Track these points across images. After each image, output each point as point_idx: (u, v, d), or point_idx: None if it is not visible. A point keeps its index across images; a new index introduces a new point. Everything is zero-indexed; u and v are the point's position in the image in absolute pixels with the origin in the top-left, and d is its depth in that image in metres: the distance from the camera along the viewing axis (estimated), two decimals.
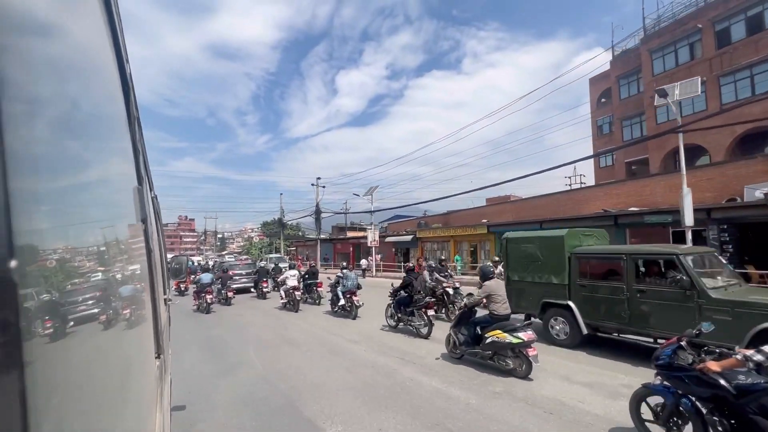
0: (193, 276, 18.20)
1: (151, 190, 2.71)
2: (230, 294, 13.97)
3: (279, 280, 12.97)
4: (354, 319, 10.14)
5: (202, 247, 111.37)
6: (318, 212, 31.44)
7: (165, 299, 3.26)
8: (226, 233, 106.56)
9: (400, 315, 8.33)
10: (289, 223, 77.70)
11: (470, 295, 6.61)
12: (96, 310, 0.67)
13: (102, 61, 0.93)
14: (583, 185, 45.58)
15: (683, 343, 3.37)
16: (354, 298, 10.27)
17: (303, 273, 14.20)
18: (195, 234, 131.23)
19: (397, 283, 9.43)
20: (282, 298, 12.44)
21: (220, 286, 14.36)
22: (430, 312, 7.82)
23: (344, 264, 12.37)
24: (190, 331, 9.90)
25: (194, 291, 13.73)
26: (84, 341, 0.59)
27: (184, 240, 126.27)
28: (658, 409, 3.47)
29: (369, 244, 24.31)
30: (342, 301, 10.46)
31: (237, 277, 17.70)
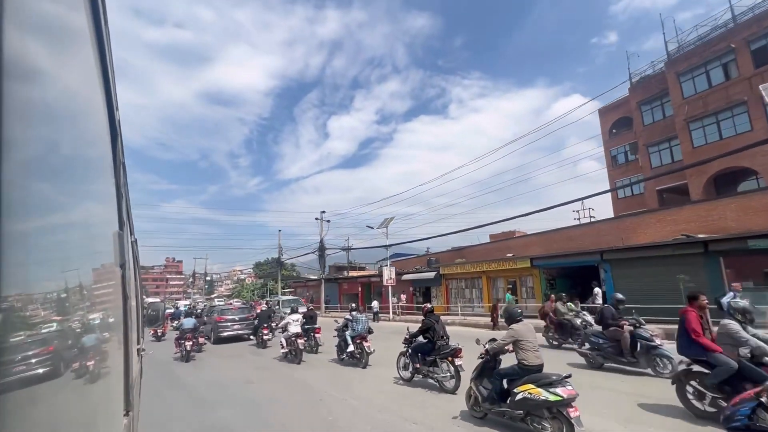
0: (176, 321, 16.73)
1: (131, 234, 2.73)
2: (201, 340, 13.13)
3: (280, 325, 11.74)
4: (364, 367, 9.23)
5: (189, 290, 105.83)
6: (322, 249, 28.72)
7: (138, 349, 3.16)
8: (214, 275, 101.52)
9: (418, 365, 7.38)
10: (286, 262, 74.47)
11: (493, 340, 5.52)
12: (61, 361, 0.63)
13: (92, 108, 0.94)
14: (593, 218, 44.08)
15: (764, 399, 2.95)
16: (365, 344, 9.42)
17: (254, 316, 13.37)
18: (182, 277, 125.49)
19: (414, 327, 8.26)
20: (283, 347, 11.09)
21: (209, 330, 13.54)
22: (458, 361, 6.73)
23: (353, 306, 11.22)
24: (164, 385, 8.72)
25: (175, 338, 12.79)
26: (45, 395, 0.55)
27: (171, 283, 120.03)
28: None
29: (385, 283, 21.45)
30: (351, 347, 9.62)
31: (229, 323, 15.72)
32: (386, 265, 22.01)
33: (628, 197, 30.93)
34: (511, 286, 18.63)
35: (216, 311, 16.83)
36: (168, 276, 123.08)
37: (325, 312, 27.48)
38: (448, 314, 19.17)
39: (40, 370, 0.52)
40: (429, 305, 8.32)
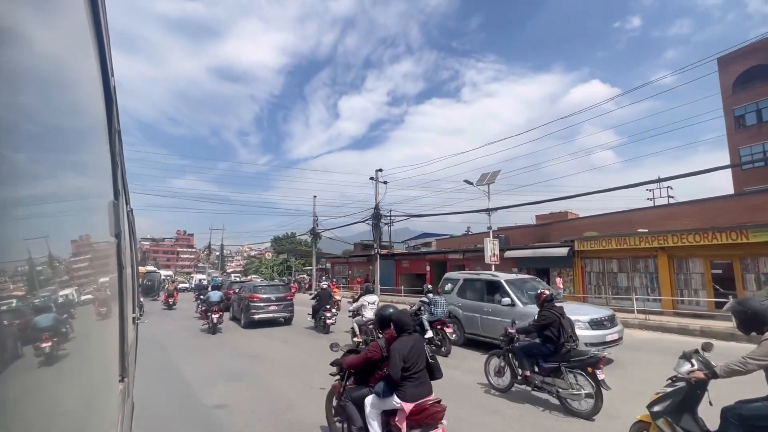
0: (201, 294, 16.61)
1: (127, 204, 2.74)
2: (215, 317, 12.00)
3: (352, 308, 9.88)
4: (447, 355, 8.28)
5: (201, 264, 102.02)
6: (377, 216, 22.95)
7: (133, 318, 3.14)
8: (225, 250, 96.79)
9: (527, 373, 5.59)
10: (298, 237, 69.03)
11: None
12: (59, 327, 0.65)
13: (85, 73, 0.92)
14: (671, 198, 37.72)
15: None
16: (446, 329, 8.54)
17: (313, 295, 12.83)
18: (193, 250, 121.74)
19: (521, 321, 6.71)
20: (356, 335, 9.19)
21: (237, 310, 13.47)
22: (601, 374, 4.93)
23: (428, 286, 9.97)
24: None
25: (202, 309, 13.15)
26: (42, 360, 0.57)
27: (182, 257, 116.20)
28: None
29: (488, 260, 15.63)
30: (429, 333, 8.46)
31: (263, 304, 12.78)
32: (489, 237, 16.12)
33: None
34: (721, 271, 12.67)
35: (247, 288, 13.85)
36: (179, 249, 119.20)
37: (379, 295, 22.14)
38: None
39: (37, 339, 0.53)
40: (548, 292, 6.05)
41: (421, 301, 9.22)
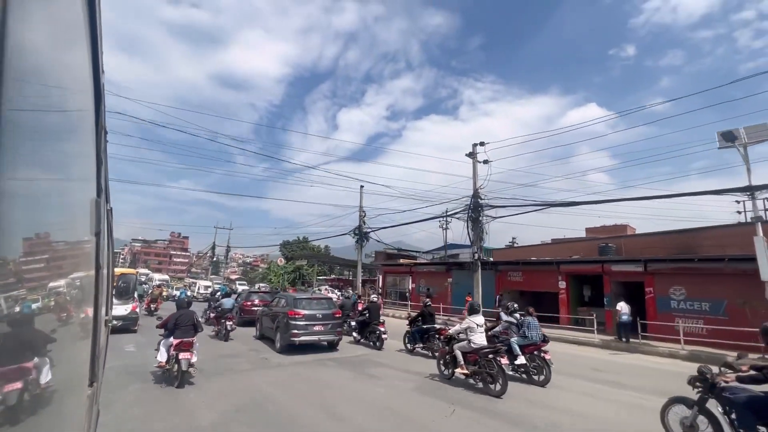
0: (214, 300, 16.06)
1: (107, 203, 2.71)
2: (229, 324, 11.71)
3: (452, 332, 7.87)
4: (544, 385, 7.41)
5: (194, 270, 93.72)
6: (477, 207, 16.24)
7: (106, 320, 3.05)
8: (219, 257, 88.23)
9: None
10: (312, 243, 61.77)
11: None
12: (31, 327, 0.63)
13: (76, 69, 0.92)
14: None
15: None
16: (546, 356, 7.60)
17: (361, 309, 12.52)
18: (187, 254, 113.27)
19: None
20: (461, 367, 7.28)
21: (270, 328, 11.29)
22: None
23: (513, 305, 9.11)
24: None
25: (214, 316, 13.16)
26: (10, 362, 0.55)
27: (175, 260, 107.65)
28: None
29: (765, 278, 8.91)
30: (521, 359, 7.65)
31: (307, 322, 10.17)
32: (760, 235, 9.42)
33: None
34: None
35: (285, 301, 11.25)
36: (172, 252, 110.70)
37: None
38: None
39: (10, 338, 0.53)
40: None
41: (506, 321, 8.58)
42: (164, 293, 24.91)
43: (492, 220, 16.15)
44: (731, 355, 5.74)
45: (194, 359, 6.96)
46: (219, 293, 18.35)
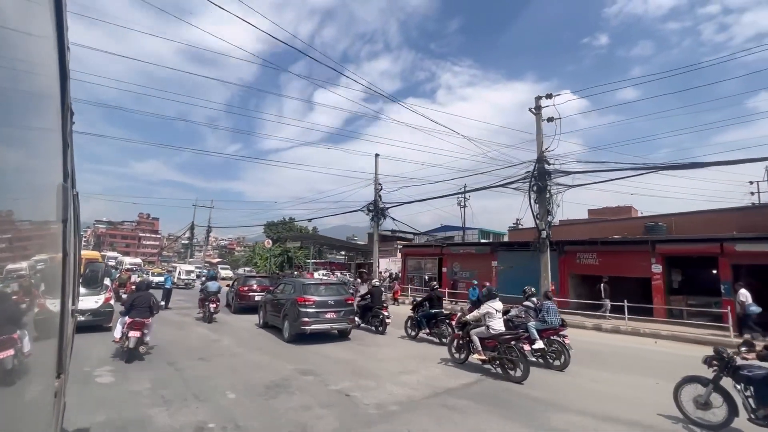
0: (199, 282, 17.52)
1: (73, 188, 2.59)
2: (212, 307, 12.03)
3: (470, 317, 7.69)
4: (563, 369, 7.46)
5: (166, 253, 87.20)
6: (543, 175, 13.12)
7: (72, 311, 2.90)
8: (195, 240, 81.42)
9: None
10: (296, 222, 57.42)
11: None
12: None
13: (40, 45, 0.88)
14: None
15: None
16: (566, 340, 7.69)
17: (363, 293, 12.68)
18: (158, 237, 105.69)
19: None
20: (477, 352, 7.23)
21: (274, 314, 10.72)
22: None
23: (532, 289, 9.02)
24: None
25: (199, 299, 13.19)
26: None
27: (144, 243, 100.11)
28: None
29: None
30: (538, 344, 7.56)
31: (318, 310, 9.52)
32: None
33: None
34: None
35: (297, 286, 10.26)
36: (141, 234, 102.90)
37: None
38: None
39: None
40: None
41: (523, 305, 8.51)
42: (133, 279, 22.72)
43: (566, 189, 13.08)
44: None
45: (147, 339, 7.57)
46: (203, 277, 17.40)
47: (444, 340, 9.17)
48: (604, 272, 14.85)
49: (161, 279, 19.42)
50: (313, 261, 49.91)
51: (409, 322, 10.55)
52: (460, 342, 7.78)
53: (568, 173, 13.12)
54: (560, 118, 13.68)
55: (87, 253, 13.50)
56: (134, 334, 7.15)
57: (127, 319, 7.30)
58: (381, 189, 21.85)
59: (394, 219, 22.49)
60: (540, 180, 13.39)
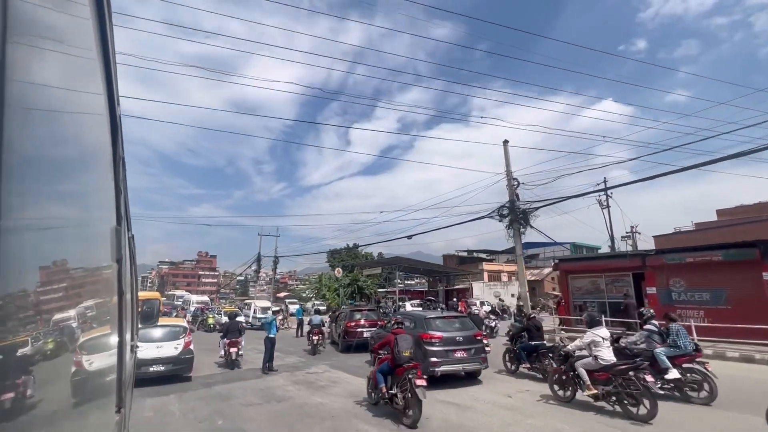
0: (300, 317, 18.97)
1: (128, 231, 2.71)
2: (233, 350, 10.51)
3: (573, 346, 7.08)
4: (710, 403, 6.32)
5: (223, 290, 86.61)
6: None
7: (132, 345, 3.11)
8: (248, 275, 79.82)
9: None
10: (360, 248, 52.95)
11: None
12: (56, 357, 0.63)
13: (92, 102, 0.93)
14: None
15: None
16: (707, 367, 6.64)
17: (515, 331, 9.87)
18: (216, 274, 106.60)
19: None
20: (582, 385, 6.64)
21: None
22: None
23: (650, 311, 7.81)
24: None
25: (307, 332, 14.18)
26: (38, 391, 0.54)
27: (203, 281, 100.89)
28: None
29: None
30: (673, 374, 6.66)
31: (447, 348, 8.39)
32: None
33: None
34: None
35: (417, 321, 9.09)
36: (200, 272, 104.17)
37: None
38: None
39: (35, 366, 0.53)
40: None
41: (646, 329, 7.35)
42: (210, 320, 22.85)
43: None
44: None
45: (241, 352, 10.89)
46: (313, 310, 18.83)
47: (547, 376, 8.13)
48: None
49: (265, 316, 15.98)
50: (384, 290, 44.86)
51: (507, 355, 9.60)
52: (563, 377, 6.94)
53: None
54: None
55: (145, 294, 14.50)
56: (233, 349, 10.53)
57: (226, 341, 10.62)
58: (517, 186, 16.69)
59: (533, 227, 16.88)
60: None
